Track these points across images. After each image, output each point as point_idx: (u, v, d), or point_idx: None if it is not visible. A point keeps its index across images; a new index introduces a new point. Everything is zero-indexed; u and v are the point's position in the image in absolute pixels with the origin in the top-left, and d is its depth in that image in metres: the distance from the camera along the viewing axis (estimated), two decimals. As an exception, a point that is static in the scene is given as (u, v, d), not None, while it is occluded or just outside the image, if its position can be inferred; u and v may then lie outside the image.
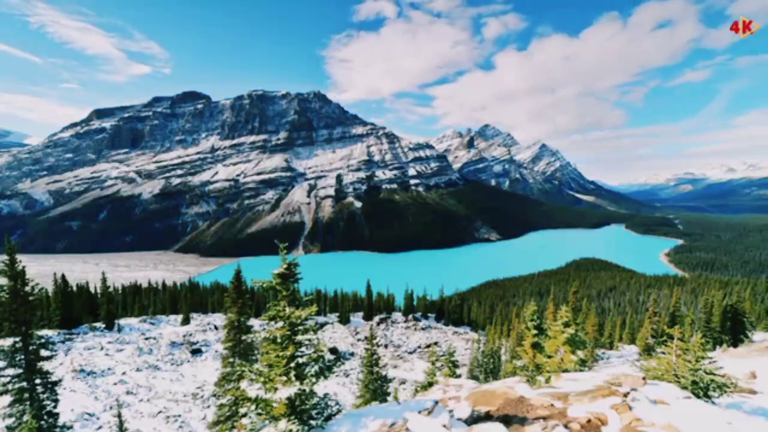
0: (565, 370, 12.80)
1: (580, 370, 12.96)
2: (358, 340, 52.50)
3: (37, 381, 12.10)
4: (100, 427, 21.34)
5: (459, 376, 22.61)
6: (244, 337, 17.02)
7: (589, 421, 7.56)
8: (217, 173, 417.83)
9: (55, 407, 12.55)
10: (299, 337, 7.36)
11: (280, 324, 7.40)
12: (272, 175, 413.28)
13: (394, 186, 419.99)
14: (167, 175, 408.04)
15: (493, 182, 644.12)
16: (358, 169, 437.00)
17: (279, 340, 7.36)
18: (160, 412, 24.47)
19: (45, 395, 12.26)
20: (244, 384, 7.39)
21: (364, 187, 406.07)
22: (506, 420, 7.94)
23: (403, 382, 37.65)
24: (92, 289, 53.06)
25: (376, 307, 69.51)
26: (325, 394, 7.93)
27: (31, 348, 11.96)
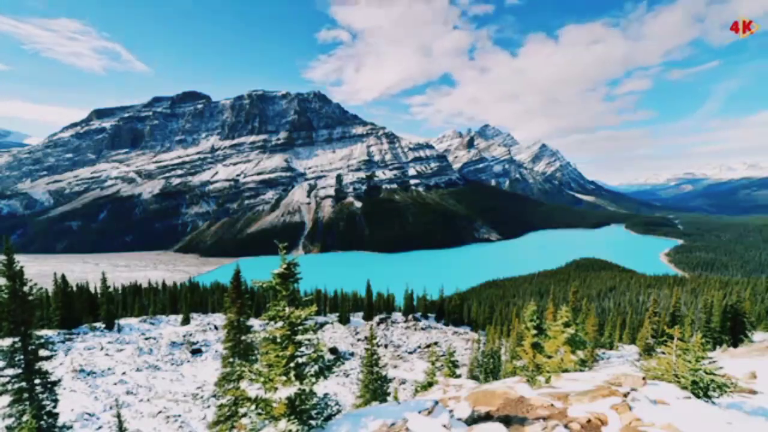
0: (565, 370, 12.79)
1: (580, 370, 12.96)
2: (358, 340, 52.49)
3: (37, 381, 12.09)
4: (100, 427, 21.33)
5: (459, 376, 22.61)
6: (244, 337, 17.01)
7: (589, 421, 7.55)
8: (217, 173, 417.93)
9: (54, 407, 12.53)
10: (299, 337, 7.36)
11: (280, 324, 7.40)
12: (272, 175, 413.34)
13: (394, 186, 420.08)
14: (167, 175, 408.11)
15: (493, 182, 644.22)
16: (358, 169, 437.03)
17: (279, 340, 7.35)
18: (160, 412, 24.46)
19: (44, 395, 12.25)
20: (244, 384, 7.38)
21: (364, 187, 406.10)
22: (506, 420, 7.93)
23: (403, 382, 37.64)
24: (92, 289, 53.05)
25: (376, 307, 69.50)
26: (325, 394, 7.93)
27: (30, 348, 11.95)
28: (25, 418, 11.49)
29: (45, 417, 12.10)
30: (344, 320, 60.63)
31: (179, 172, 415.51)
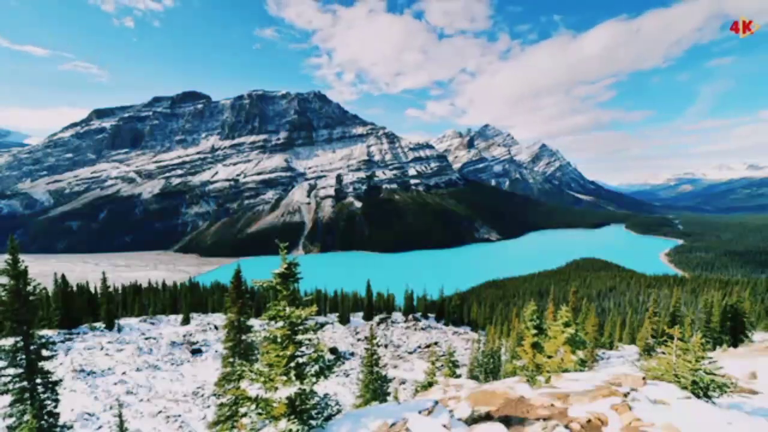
0: (565, 370, 12.81)
1: (580, 370, 12.97)
2: (358, 340, 52.51)
3: (38, 381, 12.10)
4: (100, 427, 21.35)
5: (459, 376, 22.64)
6: (244, 337, 17.03)
7: (589, 421, 7.56)
8: (217, 173, 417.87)
9: (55, 407, 12.54)
10: (299, 337, 7.37)
11: (280, 324, 7.40)
12: (272, 175, 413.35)
13: (394, 186, 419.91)
14: (167, 175, 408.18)
15: (493, 182, 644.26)
16: (358, 169, 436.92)
17: (279, 340, 7.36)
18: (160, 412, 24.47)
19: (45, 395, 12.26)
20: (244, 384, 7.38)
21: (364, 187, 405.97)
22: (506, 420, 7.94)
23: (403, 382, 37.65)
24: (92, 289, 53.11)
25: (376, 307, 69.51)
26: (325, 394, 7.93)
27: (32, 348, 11.96)
28: (26, 417, 11.50)
29: (46, 417, 12.11)
30: (344, 320, 60.64)
31: (179, 172, 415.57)
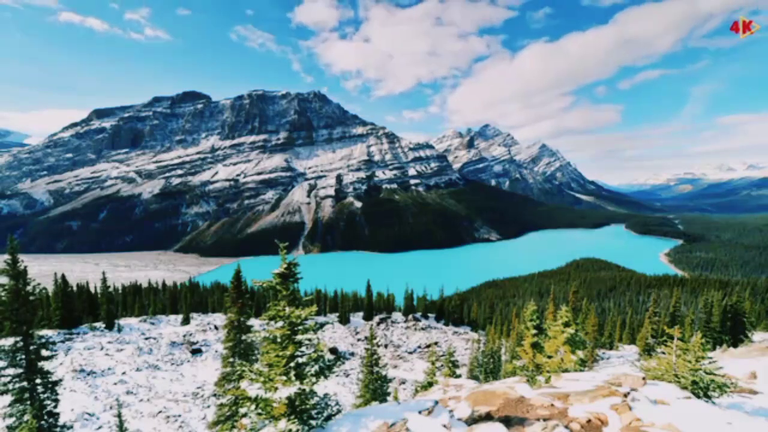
0: (565, 370, 12.81)
1: (580, 370, 12.97)
2: (358, 340, 52.49)
3: (38, 381, 12.09)
4: (100, 427, 21.34)
5: (459, 376, 22.63)
6: (244, 337, 17.02)
7: (589, 421, 7.56)
8: (217, 173, 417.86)
9: (55, 407, 12.54)
10: (299, 337, 7.37)
11: (280, 324, 7.41)
12: (272, 175, 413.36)
13: (394, 186, 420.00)
14: (167, 175, 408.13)
15: (493, 182, 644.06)
16: (358, 169, 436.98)
17: (279, 340, 7.36)
18: (160, 412, 24.46)
19: (45, 395, 12.25)
20: (244, 384, 7.38)
21: (364, 187, 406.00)
22: (506, 420, 7.94)
23: (403, 382, 37.64)
24: (92, 289, 53.05)
25: (376, 307, 69.50)
26: (325, 394, 7.93)
27: (31, 348, 11.95)
28: (26, 417, 11.49)
29: (46, 417, 12.10)
30: (344, 320, 60.62)
31: (179, 172, 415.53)
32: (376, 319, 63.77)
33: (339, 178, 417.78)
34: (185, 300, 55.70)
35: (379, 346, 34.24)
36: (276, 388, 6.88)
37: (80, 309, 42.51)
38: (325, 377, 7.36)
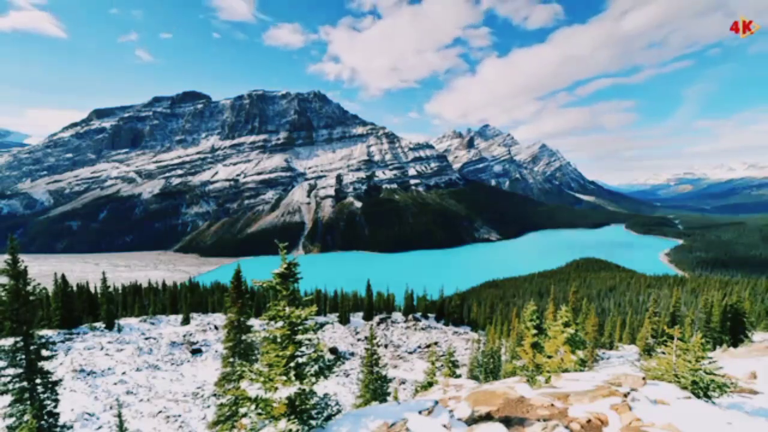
0: (565, 370, 12.80)
1: (580, 370, 12.97)
2: (358, 340, 52.49)
3: (38, 381, 12.09)
4: (100, 427, 21.34)
5: (459, 376, 22.62)
6: (244, 337, 17.02)
7: (589, 421, 7.56)
8: (217, 173, 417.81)
9: (55, 407, 12.54)
10: (299, 337, 7.37)
11: (280, 324, 7.40)
12: (272, 175, 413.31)
13: (394, 186, 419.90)
14: (167, 175, 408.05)
15: (493, 182, 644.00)
16: (358, 169, 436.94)
17: (279, 340, 7.36)
18: (160, 412, 24.46)
19: (45, 395, 12.25)
20: (244, 384, 7.39)
21: (364, 187, 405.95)
22: (506, 420, 7.94)
23: (403, 382, 37.64)
24: (92, 289, 53.04)
25: (376, 307, 69.50)
26: (325, 394, 7.93)
27: (32, 348, 11.96)
28: (26, 417, 11.49)
29: (46, 417, 12.10)
30: (344, 320, 60.62)
31: (179, 172, 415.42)
32: (376, 319, 63.78)
33: (339, 178, 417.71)
34: (185, 300, 55.73)
35: (379, 346, 34.25)
36: (276, 388, 6.88)
37: (80, 309, 42.51)
38: (325, 377, 7.36)
